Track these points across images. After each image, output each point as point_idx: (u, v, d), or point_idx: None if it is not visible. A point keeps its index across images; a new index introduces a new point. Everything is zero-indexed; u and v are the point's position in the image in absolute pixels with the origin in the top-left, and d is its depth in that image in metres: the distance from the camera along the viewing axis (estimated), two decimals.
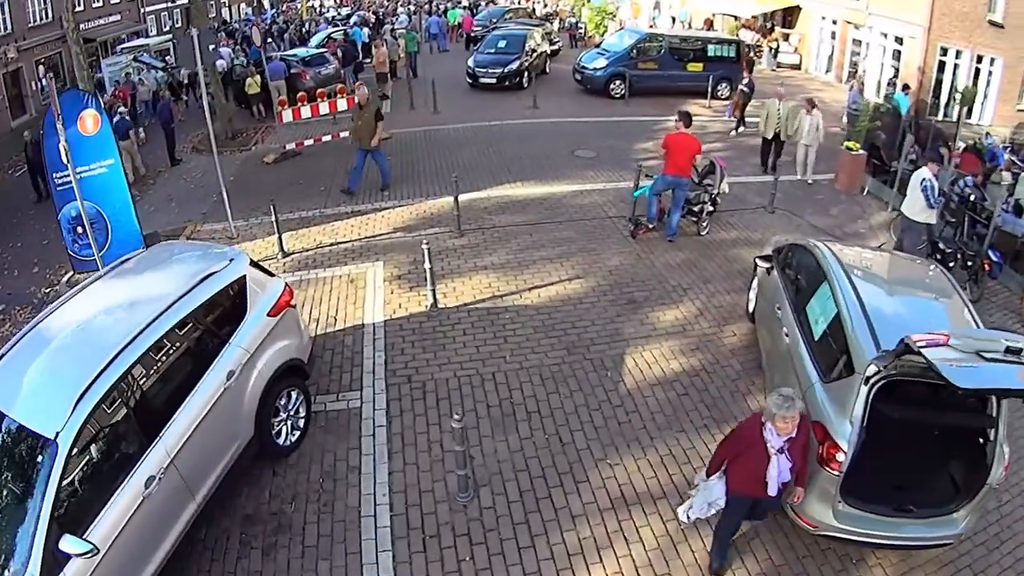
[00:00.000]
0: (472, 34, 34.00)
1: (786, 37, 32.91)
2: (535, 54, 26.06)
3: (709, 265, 11.86)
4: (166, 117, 19.51)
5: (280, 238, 12.35)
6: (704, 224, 12.77)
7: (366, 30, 33.11)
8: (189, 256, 7.96)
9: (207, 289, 6.90)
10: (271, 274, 8.26)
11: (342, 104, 18.50)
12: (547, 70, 27.98)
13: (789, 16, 33.44)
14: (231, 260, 7.43)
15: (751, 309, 10.10)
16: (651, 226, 12.56)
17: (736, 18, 34.55)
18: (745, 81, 19.91)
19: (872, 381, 5.75)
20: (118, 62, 30.75)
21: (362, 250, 12.44)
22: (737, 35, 32.10)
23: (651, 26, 34.80)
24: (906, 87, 21.84)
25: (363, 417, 8.38)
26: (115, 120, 19.33)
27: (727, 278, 11.45)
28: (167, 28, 46.88)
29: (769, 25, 34.33)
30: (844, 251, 8.16)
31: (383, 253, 12.23)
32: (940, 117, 25.55)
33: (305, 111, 18.21)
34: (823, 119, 19.38)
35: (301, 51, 25.14)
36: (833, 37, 30.39)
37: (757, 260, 9.25)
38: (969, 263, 11.87)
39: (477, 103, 23.06)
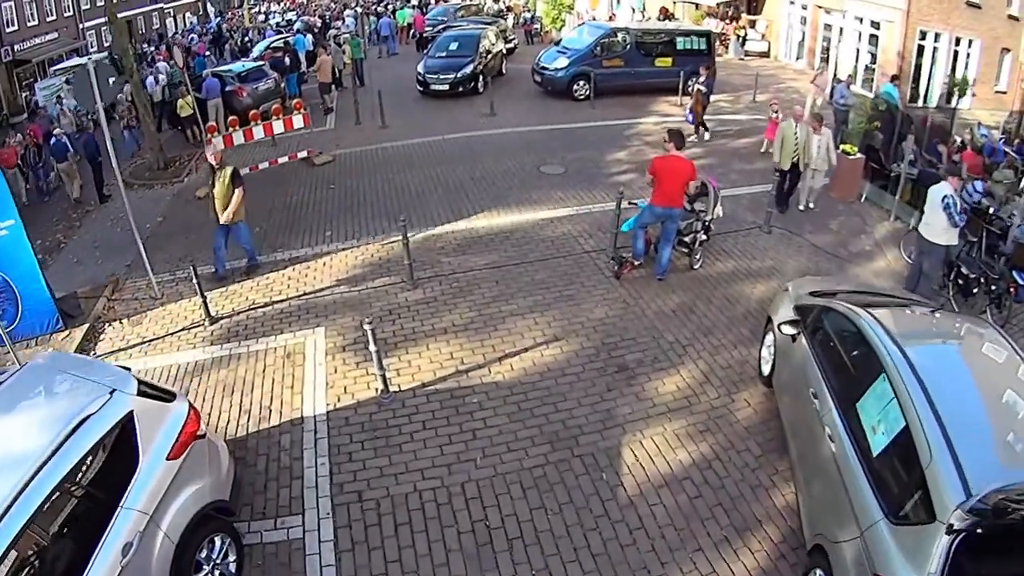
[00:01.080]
0: (424, 34, 31.91)
1: (752, 24, 31.37)
2: (490, 55, 24.16)
3: (708, 310, 10.17)
4: (92, 150, 17.30)
5: (205, 303, 10.35)
6: (697, 256, 11.06)
7: (310, 37, 30.79)
8: (60, 388, 5.97)
9: (81, 442, 5.08)
10: (169, 395, 6.34)
11: (279, 126, 16.43)
12: (503, 71, 26.09)
13: (754, 2, 31.89)
14: (112, 394, 5.53)
15: (765, 371, 8.43)
16: (637, 263, 10.81)
17: (698, 6, 32.92)
18: (702, 78, 17.80)
19: (958, 530, 4.34)
20: (51, 84, 28.32)
21: (301, 311, 10.54)
22: (702, 25, 30.57)
23: (611, 18, 33.04)
24: (895, 77, 20.37)
25: (307, 552, 6.61)
26: (52, 142, 18.48)
27: (731, 325, 9.77)
28: (107, 43, 44.08)
29: (732, 11, 32.72)
30: (893, 320, 6.50)
31: (325, 315, 10.34)
32: (921, 104, 24.20)
33: (238, 137, 16.10)
34: (812, 95, 18.11)
35: (236, 65, 22.92)
36: (804, 23, 28.90)
37: (781, 328, 7.52)
38: (992, 287, 10.40)
39: (429, 113, 21.12)
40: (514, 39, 30.93)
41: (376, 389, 8.50)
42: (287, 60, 24.27)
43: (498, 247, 11.94)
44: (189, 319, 10.66)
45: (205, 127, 16.28)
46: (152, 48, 40.70)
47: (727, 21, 32.28)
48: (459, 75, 22.41)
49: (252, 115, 16.32)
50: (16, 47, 34.66)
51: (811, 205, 13.81)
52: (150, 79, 27.56)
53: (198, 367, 9.42)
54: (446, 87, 22.44)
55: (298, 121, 16.68)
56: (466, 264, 11.40)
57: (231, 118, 16.56)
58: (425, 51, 24.99)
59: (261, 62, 22.81)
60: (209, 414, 8.49)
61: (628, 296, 10.39)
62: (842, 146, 14.88)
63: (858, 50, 25.87)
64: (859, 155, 14.81)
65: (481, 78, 22.95)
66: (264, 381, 9.05)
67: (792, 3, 29.70)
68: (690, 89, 22.05)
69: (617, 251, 11.13)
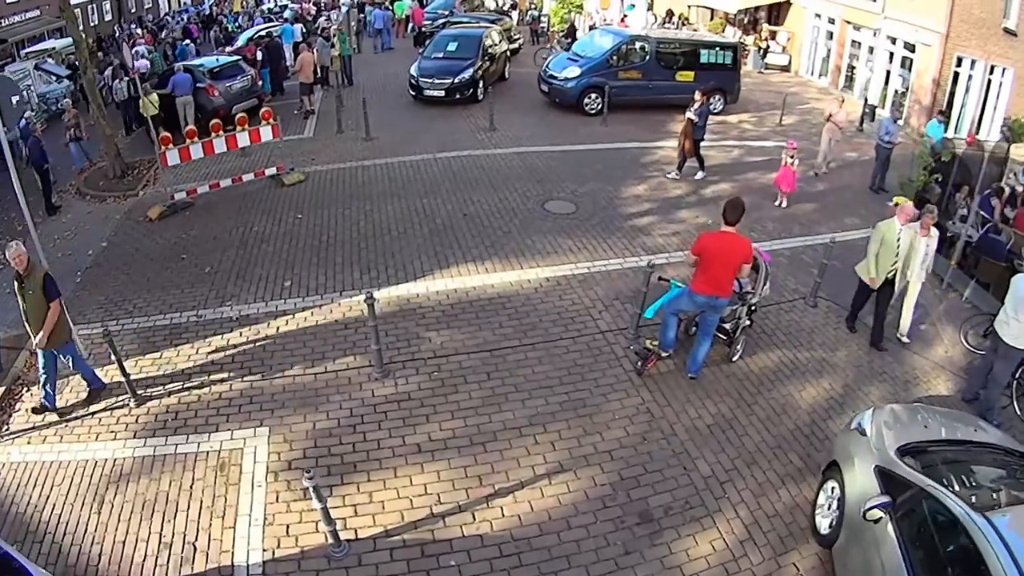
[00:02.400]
0: (422, 29, 29.53)
1: (773, 35, 29.19)
2: (492, 58, 21.90)
3: (750, 424, 8.13)
4: (37, 157, 15.04)
5: (128, 383, 8.24)
6: (738, 347, 8.97)
7: (299, 27, 28.33)
8: None
9: None
10: None
11: (244, 139, 14.18)
12: (507, 75, 23.78)
13: (775, 11, 29.68)
14: None
15: (822, 530, 6.62)
16: (665, 355, 8.71)
17: (714, 14, 30.65)
18: (696, 106, 14.57)
19: None
20: (22, 69, 25.79)
21: (243, 398, 8.46)
22: (722, 34, 28.40)
23: (623, 20, 30.76)
24: (942, 113, 18.25)
25: None
26: (20, 124, 16.28)
27: (777, 450, 7.79)
28: (94, 23, 41.35)
29: (750, 20, 30.47)
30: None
31: (271, 408, 8.25)
32: (952, 135, 22.03)
33: (196, 151, 13.85)
34: (828, 133, 15.94)
35: (209, 60, 20.33)
36: (829, 38, 26.73)
37: (866, 513, 5.50)
38: None
39: (420, 124, 18.84)
40: (519, 38, 28.61)
41: (326, 534, 6.37)
42: (259, 54, 21.80)
43: (491, 319, 9.80)
44: (114, 393, 8.69)
45: (159, 138, 13.92)
46: (125, 32, 38.02)
47: (744, 30, 30.02)
48: (457, 80, 20.15)
49: (213, 125, 14.01)
50: None
51: (907, 339, 10.14)
52: (138, 63, 25.46)
53: (116, 469, 7.57)
54: (441, 93, 20.20)
55: (266, 133, 14.46)
56: (451, 344, 9.26)
57: (188, 128, 14.23)
58: (420, 50, 22.54)
59: (236, 57, 20.38)
60: (124, 544, 6.64)
61: (653, 403, 8.29)
62: (895, 198, 12.78)
63: (888, 73, 23.70)
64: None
65: (481, 84, 20.71)
66: (191, 503, 7.10)
67: (818, 16, 27.52)
68: (715, 106, 20.08)
69: (640, 338, 9.03)
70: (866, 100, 21.78)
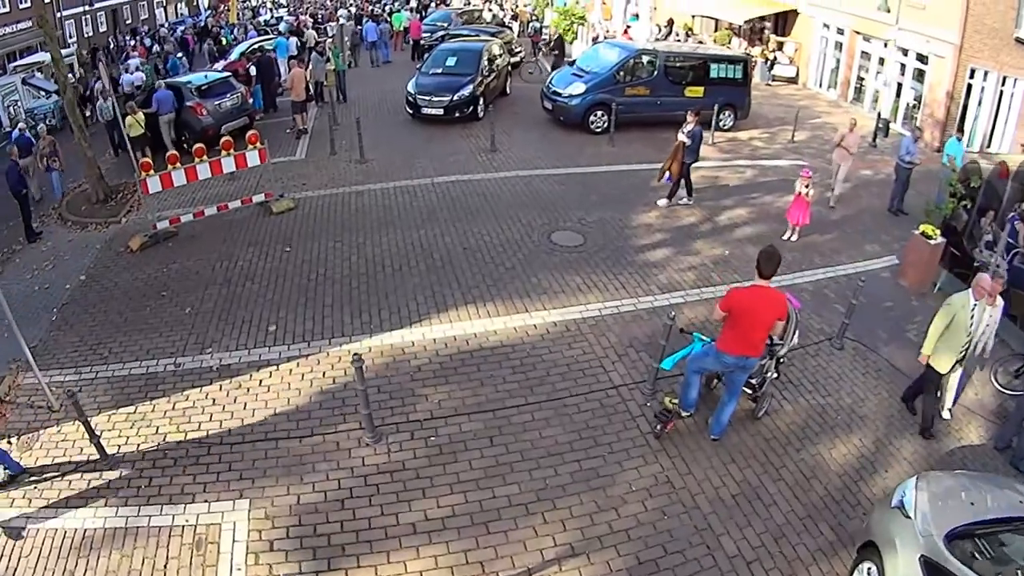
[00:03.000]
0: (420, 41, 28.80)
1: (780, 46, 28.47)
2: (493, 73, 21.14)
3: (778, 494, 7.41)
4: (15, 182, 14.31)
5: (98, 444, 7.51)
6: (764, 404, 8.20)
7: (295, 40, 27.58)
8: None
9: None
10: None
11: (229, 164, 13.45)
12: (508, 90, 23.03)
13: (782, 21, 28.96)
14: None
15: None
16: (686, 415, 7.94)
17: (717, 25, 29.91)
18: (688, 127, 13.57)
19: None
20: (8, 84, 25.18)
21: (222, 463, 7.74)
22: (728, 45, 27.69)
23: (626, 31, 30.06)
24: (960, 130, 17.52)
25: None
26: (15, 136, 16.57)
27: (807, 522, 7.11)
28: (89, 35, 40.66)
29: (756, 30, 29.74)
30: None
31: (252, 477, 7.51)
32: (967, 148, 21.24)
33: (178, 177, 13.10)
34: (840, 160, 15.12)
35: (197, 76, 19.65)
36: (838, 49, 25.99)
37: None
38: None
39: (418, 144, 18.10)
40: (520, 51, 27.86)
41: None
42: (252, 70, 21.07)
43: (494, 373, 9.02)
44: (85, 452, 8.00)
45: (139, 163, 13.21)
46: (109, 48, 37.39)
47: (751, 42, 29.31)
48: (456, 98, 19.42)
49: (197, 150, 13.31)
50: None
51: (949, 414, 8.97)
52: (130, 76, 24.85)
53: (87, 541, 6.91)
54: (440, 112, 19.46)
55: (253, 158, 13.71)
56: (449, 403, 8.48)
57: (170, 153, 13.46)
58: (418, 65, 21.79)
59: (226, 73, 19.65)
60: None
61: (673, 471, 7.52)
62: (921, 227, 12.02)
63: (900, 85, 22.94)
64: (940, 239, 11.96)
65: (482, 101, 19.95)
66: None
67: (826, 27, 26.79)
68: (724, 122, 19.34)
69: (657, 392, 8.26)
70: (879, 115, 21.05)
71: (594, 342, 9.63)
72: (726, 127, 19.52)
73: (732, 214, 14.14)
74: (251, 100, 19.57)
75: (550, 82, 20.21)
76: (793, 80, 28.19)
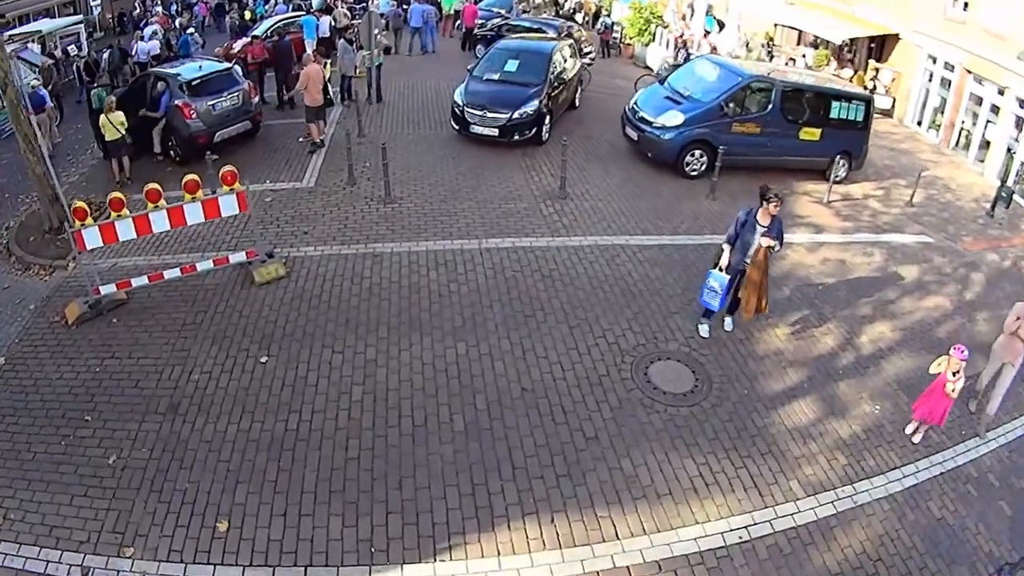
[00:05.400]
0: (473, 31, 24.31)
1: (876, 73, 23.55)
2: (563, 83, 16.66)
3: None
4: None
5: None
6: None
7: (327, 20, 23.18)
8: None
9: None
10: None
11: (194, 214, 9.32)
12: (577, 103, 18.46)
13: (880, 45, 23.92)
14: None
15: None
16: None
17: (817, 43, 24.90)
18: (766, 227, 8.72)
19: None
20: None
21: None
22: (826, 69, 22.86)
23: (706, 35, 25.31)
24: None
25: None
26: (29, 93, 14.98)
27: None
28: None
29: (851, 52, 24.69)
30: None
31: None
32: None
33: (124, 229, 9.03)
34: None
35: (188, 67, 15.17)
36: (945, 86, 21.01)
37: None
38: None
39: (462, 178, 13.81)
40: (590, 51, 23.24)
41: None
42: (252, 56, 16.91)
43: None
44: None
45: (71, 210, 9.21)
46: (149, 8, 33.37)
47: (842, 63, 24.35)
48: (517, 115, 15.03)
49: (150, 192, 9.15)
50: None
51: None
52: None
53: None
54: (495, 132, 15.13)
55: (229, 205, 9.51)
56: None
57: (112, 196, 9.31)
58: (469, 66, 17.28)
59: (226, 65, 15.37)
60: None
61: None
62: None
63: (1017, 141, 17.98)
64: None
65: (548, 120, 15.53)
66: None
67: (932, 59, 21.73)
68: (837, 173, 14.93)
69: None
70: (1003, 181, 16.01)
71: None
72: (839, 179, 15.04)
73: (873, 333, 10.00)
74: (256, 98, 15.25)
75: (636, 103, 15.72)
76: (888, 113, 23.21)
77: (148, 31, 25.21)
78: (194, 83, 14.05)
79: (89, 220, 9.29)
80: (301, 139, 15.29)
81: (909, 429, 8.23)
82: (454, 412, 7.80)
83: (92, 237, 9.23)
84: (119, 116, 13.34)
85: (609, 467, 7.33)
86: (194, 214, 9.44)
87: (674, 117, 14.60)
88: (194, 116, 13.80)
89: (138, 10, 34.79)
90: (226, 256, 10.06)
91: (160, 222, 9.37)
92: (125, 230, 9.29)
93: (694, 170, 14.76)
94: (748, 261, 8.85)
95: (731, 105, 14.52)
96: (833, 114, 15.27)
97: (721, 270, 8.85)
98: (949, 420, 7.94)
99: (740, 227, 8.76)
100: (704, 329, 9.48)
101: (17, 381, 8.60)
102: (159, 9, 32.82)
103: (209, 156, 12.26)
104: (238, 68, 15.38)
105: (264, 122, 15.85)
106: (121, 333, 9.29)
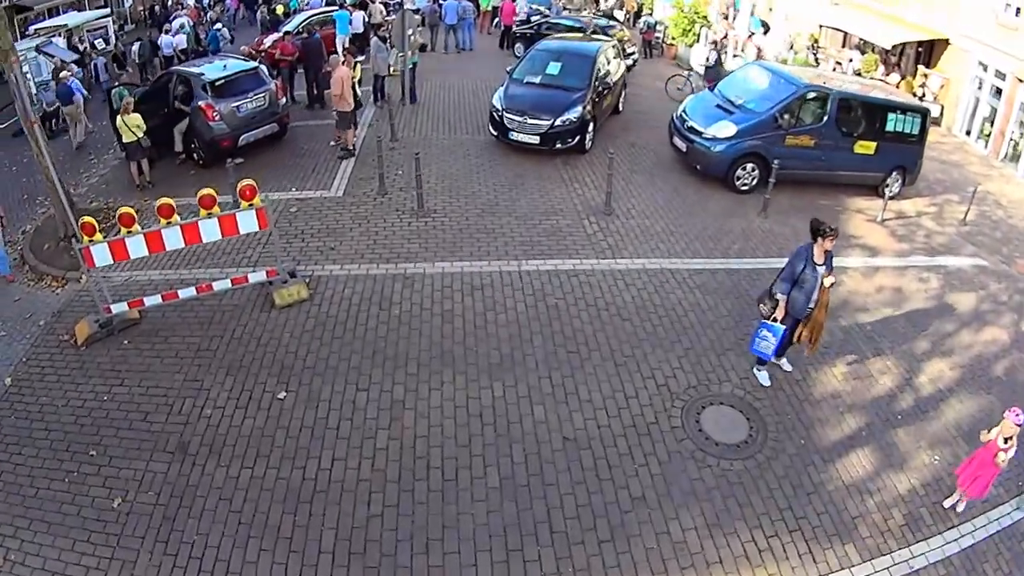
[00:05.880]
0: (512, 29, 23.42)
1: (924, 78, 22.20)
2: (607, 88, 15.75)
3: None
4: None
5: None
6: None
7: (360, 15, 22.44)
8: None
9: None
10: None
11: (210, 231, 8.63)
12: (620, 107, 17.53)
13: (928, 50, 22.52)
14: None
15: None
16: None
17: (864, 48, 23.53)
18: (824, 266, 7.81)
19: None
20: (29, 48, 21.12)
21: None
22: (874, 75, 21.61)
23: (750, 37, 24.16)
24: None
25: None
26: (57, 87, 17.03)
27: None
28: None
29: (901, 59, 23.26)
30: None
31: None
32: None
33: (136, 246, 8.37)
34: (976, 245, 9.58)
35: (213, 66, 14.37)
36: (996, 95, 19.70)
37: None
38: None
39: (500, 189, 13.00)
40: (633, 52, 22.26)
41: None
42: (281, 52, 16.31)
43: None
44: None
45: (79, 224, 8.54)
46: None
47: (887, 68, 22.94)
48: (560, 122, 14.17)
49: (162, 207, 8.50)
50: None
51: None
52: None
53: None
54: (535, 140, 14.28)
55: (248, 223, 8.81)
56: None
57: (121, 211, 8.64)
58: (509, 68, 16.38)
59: (251, 64, 14.67)
60: None
61: None
62: None
63: None
64: None
65: (591, 126, 14.64)
66: None
67: (983, 66, 20.38)
68: (891, 188, 13.92)
69: None
70: None
71: None
72: (892, 195, 14.00)
73: (932, 371, 9.04)
74: (284, 99, 14.55)
75: (685, 110, 14.78)
76: (936, 121, 21.77)
77: (176, 24, 24.79)
78: (217, 83, 13.38)
79: (98, 236, 8.60)
80: (332, 143, 14.57)
81: (949, 502, 7.25)
82: (488, 465, 7.01)
83: (101, 254, 8.62)
84: (135, 118, 12.73)
85: (656, 531, 6.54)
86: (210, 231, 8.75)
87: (726, 128, 13.66)
88: (217, 118, 13.16)
89: (170, 2, 34.42)
90: (245, 275, 9.37)
91: (173, 239, 8.70)
92: (136, 247, 8.67)
93: (745, 185, 13.82)
94: (812, 307, 7.94)
95: (786, 116, 13.54)
96: (889, 127, 14.20)
97: (776, 321, 7.94)
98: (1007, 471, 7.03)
99: (800, 274, 7.84)
100: (764, 377, 8.58)
101: (23, 406, 8.06)
102: (190, 2, 32.35)
103: (231, 161, 11.61)
104: (264, 68, 14.64)
105: (292, 123, 15.17)
106: (131, 357, 8.67)
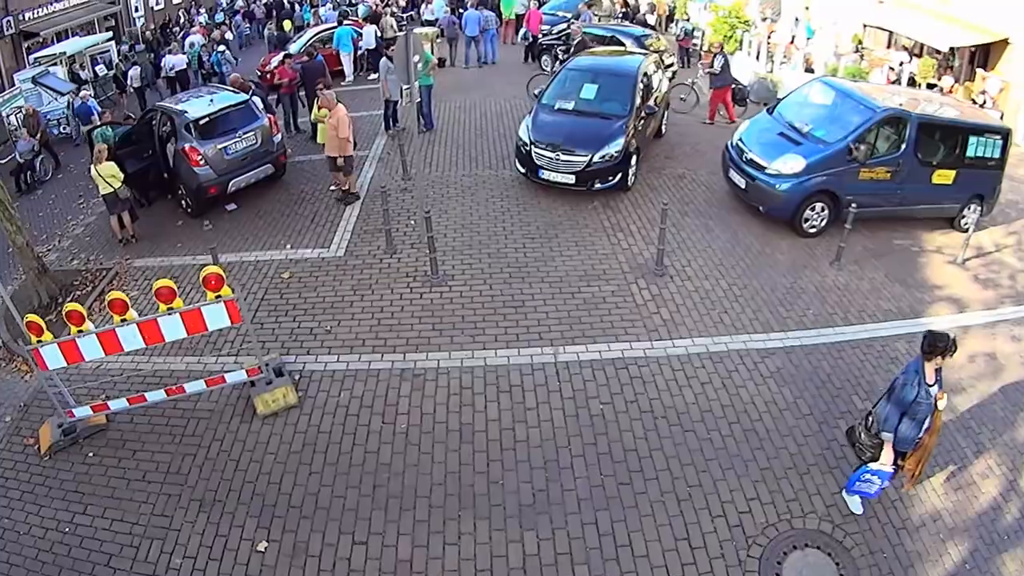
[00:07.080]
0: (539, 39, 21.51)
1: (982, 82, 19.92)
2: (651, 111, 13.71)
3: None
4: None
5: None
6: None
7: (373, 30, 20.70)
8: None
9: None
10: None
11: (173, 329, 6.97)
12: (663, 129, 15.52)
13: (984, 52, 20.21)
14: None
15: None
16: None
17: (921, 52, 21.17)
18: (932, 384, 6.13)
19: None
20: (26, 80, 20.10)
21: None
22: (933, 82, 19.39)
23: (791, 43, 21.95)
24: None
25: None
26: (78, 104, 17.63)
27: None
28: (159, 6, 34.80)
29: (955, 62, 20.89)
30: None
31: None
32: None
33: (89, 347, 6.78)
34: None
35: (198, 103, 12.66)
36: None
37: None
38: None
39: (528, 245, 11.08)
40: (672, 63, 20.24)
41: None
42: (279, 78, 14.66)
43: None
44: None
45: (25, 323, 6.99)
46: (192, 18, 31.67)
47: (940, 73, 20.63)
48: (599, 157, 12.24)
49: (113, 303, 6.94)
50: (27, 15, 25.83)
51: None
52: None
53: None
54: (570, 180, 12.39)
55: (216, 317, 7.07)
56: None
57: (69, 307, 7.00)
58: (536, 93, 14.40)
59: (241, 96, 12.92)
60: None
61: None
62: None
63: None
64: None
65: (635, 159, 12.70)
66: None
67: None
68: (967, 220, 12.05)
69: None
70: None
71: None
72: (967, 227, 11.90)
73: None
74: (279, 136, 12.85)
75: (742, 142, 12.79)
76: None
77: (187, 42, 23.66)
78: (202, 122, 11.71)
79: (47, 335, 6.96)
80: (331, 188, 12.85)
81: None
82: None
83: (53, 356, 7.01)
84: (110, 167, 11.23)
85: None
86: (173, 329, 7.09)
87: (794, 162, 11.73)
88: (202, 163, 11.48)
89: (183, 19, 33.17)
90: (221, 375, 7.66)
91: (131, 339, 7.06)
92: (90, 349, 7.06)
93: (813, 227, 11.93)
94: (923, 436, 6.12)
95: (861, 147, 11.53)
96: (970, 152, 12.24)
97: (884, 465, 6.14)
98: None
99: (912, 403, 6.01)
100: (856, 505, 6.74)
101: None
102: (201, 19, 31.05)
103: (226, 208, 10.03)
104: (257, 100, 12.97)
105: (293, 158, 13.51)
106: (96, 476, 7.24)
